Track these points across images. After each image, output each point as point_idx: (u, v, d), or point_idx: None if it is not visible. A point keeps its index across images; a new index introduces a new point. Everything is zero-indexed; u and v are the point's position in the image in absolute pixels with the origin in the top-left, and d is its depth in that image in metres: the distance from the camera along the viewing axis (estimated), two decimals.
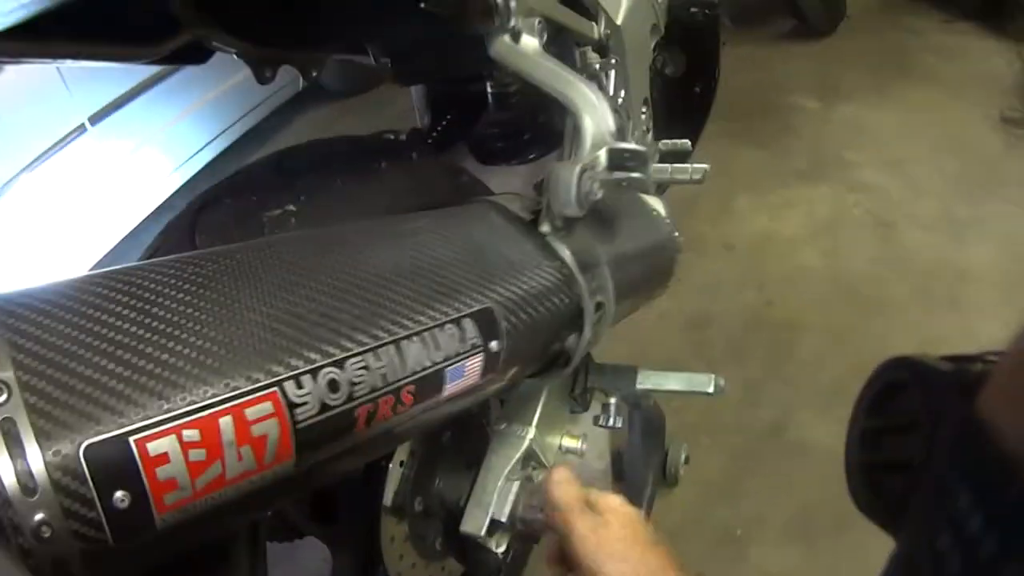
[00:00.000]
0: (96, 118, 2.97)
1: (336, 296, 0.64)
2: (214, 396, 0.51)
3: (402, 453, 1.14)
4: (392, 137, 1.21)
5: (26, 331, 0.49)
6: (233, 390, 0.52)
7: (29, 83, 2.70)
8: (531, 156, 1.74)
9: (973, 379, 0.46)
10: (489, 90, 1.47)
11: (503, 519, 1.07)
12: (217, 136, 3.62)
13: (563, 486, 0.86)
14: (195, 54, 0.96)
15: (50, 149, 2.80)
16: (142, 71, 3.03)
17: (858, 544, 1.67)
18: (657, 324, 2.40)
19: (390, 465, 1.12)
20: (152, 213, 3.21)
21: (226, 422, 0.51)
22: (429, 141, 1.80)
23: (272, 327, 0.58)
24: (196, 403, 0.50)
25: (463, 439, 1.22)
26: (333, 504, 1.13)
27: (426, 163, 1.16)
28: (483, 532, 1.08)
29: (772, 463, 1.97)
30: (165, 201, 3.27)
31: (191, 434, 0.49)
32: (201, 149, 3.53)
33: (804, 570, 1.74)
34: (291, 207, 0.92)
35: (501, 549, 1.11)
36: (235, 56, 0.97)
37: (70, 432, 0.46)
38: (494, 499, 1.09)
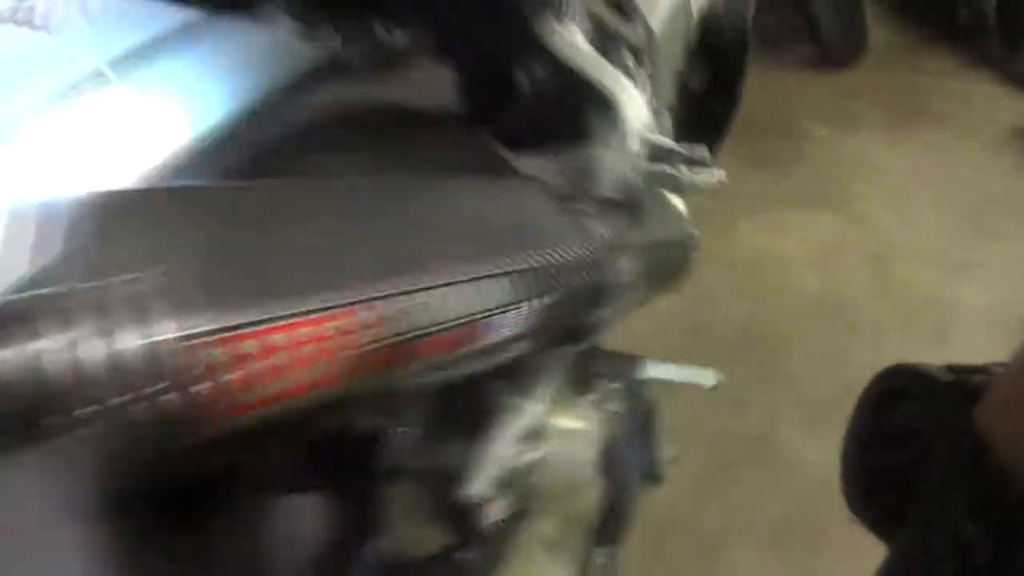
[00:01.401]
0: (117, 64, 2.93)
1: (407, 236, 0.68)
2: (297, 308, 0.54)
3: (404, 416, 1.16)
4: (423, 113, 1.22)
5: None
6: (323, 301, 0.55)
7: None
8: (557, 148, 1.75)
9: (973, 389, 0.47)
10: (522, 78, 1.49)
11: (500, 489, 1.09)
12: (234, 101, 3.59)
13: None
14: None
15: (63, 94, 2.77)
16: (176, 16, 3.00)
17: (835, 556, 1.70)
18: (647, 330, 2.42)
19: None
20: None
21: (305, 334, 0.54)
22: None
23: (357, 250, 0.61)
24: (284, 313, 0.53)
25: (467, 406, 1.24)
26: (330, 462, 1.14)
27: (459, 141, 1.19)
28: (480, 501, 1.11)
29: (753, 472, 2.01)
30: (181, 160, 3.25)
31: (274, 340, 0.53)
32: (216, 113, 3.50)
33: None
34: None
35: (496, 519, 1.14)
36: (278, 7, 0.98)
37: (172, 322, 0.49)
38: (493, 469, 1.12)
